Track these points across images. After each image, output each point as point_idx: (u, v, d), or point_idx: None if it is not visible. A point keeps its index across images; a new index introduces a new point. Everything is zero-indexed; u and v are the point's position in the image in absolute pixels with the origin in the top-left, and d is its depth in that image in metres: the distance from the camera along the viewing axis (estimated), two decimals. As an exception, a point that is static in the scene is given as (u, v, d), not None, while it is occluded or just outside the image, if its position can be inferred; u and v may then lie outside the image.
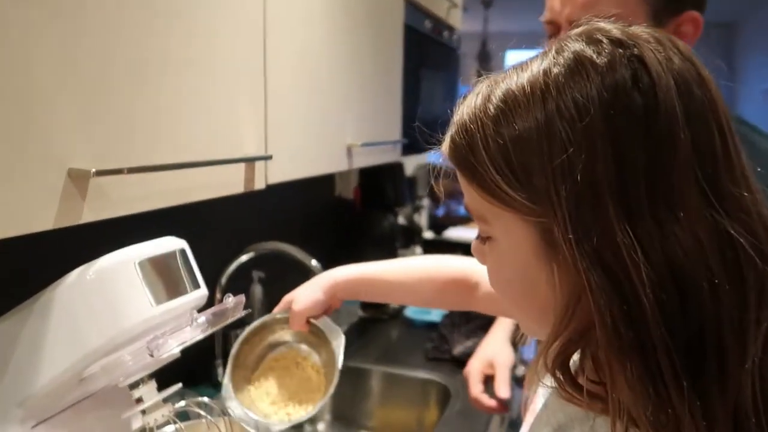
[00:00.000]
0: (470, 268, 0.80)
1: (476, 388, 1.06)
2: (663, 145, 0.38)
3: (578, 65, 0.40)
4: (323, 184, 2.02)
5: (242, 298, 0.66)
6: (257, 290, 1.44)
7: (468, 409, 1.31)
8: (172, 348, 0.58)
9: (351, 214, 2.06)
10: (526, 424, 0.58)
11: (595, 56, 0.40)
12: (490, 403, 1.05)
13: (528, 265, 0.43)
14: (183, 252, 0.66)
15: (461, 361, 1.52)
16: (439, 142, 0.48)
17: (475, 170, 0.43)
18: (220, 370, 1.32)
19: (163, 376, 0.68)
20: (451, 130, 0.46)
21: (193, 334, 0.60)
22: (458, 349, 1.54)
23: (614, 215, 0.38)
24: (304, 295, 0.74)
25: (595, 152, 0.38)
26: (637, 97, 0.38)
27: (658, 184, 0.38)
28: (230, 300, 0.64)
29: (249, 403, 0.76)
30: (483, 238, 0.47)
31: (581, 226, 0.39)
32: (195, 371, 1.24)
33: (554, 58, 0.41)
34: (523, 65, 0.43)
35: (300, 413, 0.75)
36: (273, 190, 0.88)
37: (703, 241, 0.38)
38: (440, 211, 4.44)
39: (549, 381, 0.43)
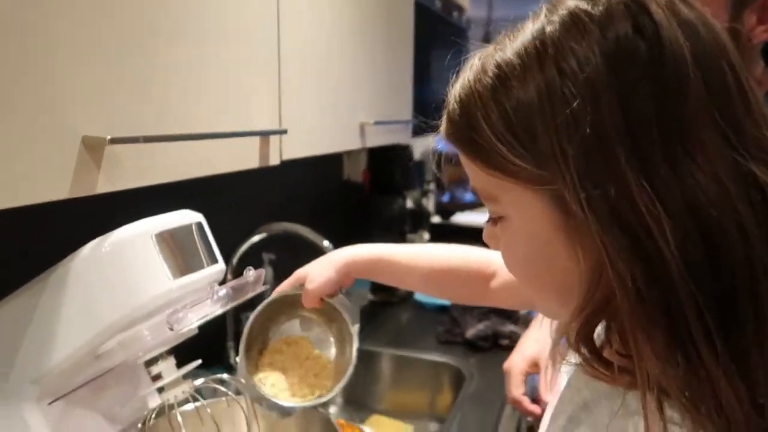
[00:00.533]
0: (486, 260, 0.77)
1: (518, 390, 0.97)
2: (672, 89, 0.36)
3: (574, 20, 0.38)
4: (332, 166, 2.00)
5: (262, 271, 0.64)
6: (268, 272, 1.42)
7: (482, 392, 1.29)
8: (192, 322, 0.56)
9: (359, 197, 2.04)
10: (550, 406, 0.56)
11: (590, 8, 0.38)
12: (533, 408, 0.95)
13: (545, 239, 0.41)
14: (200, 225, 0.64)
15: (474, 345, 1.51)
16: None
17: (477, 146, 0.41)
18: (232, 352, 1.30)
19: (176, 357, 0.67)
20: (447, 110, 0.44)
21: (212, 308, 0.58)
22: (471, 332, 1.52)
23: (627, 167, 0.36)
24: (318, 273, 0.71)
25: (600, 103, 0.36)
26: (641, 43, 0.36)
27: (671, 130, 0.36)
28: (251, 273, 0.62)
29: (260, 386, 0.74)
30: (494, 220, 0.45)
31: (592, 183, 0.36)
32: (207, 353, 1.23)
33: (547, 18, 0.39)
34: (514, 32, 0.41)
35: (319, 393, 0.72)
36: (281, 171, 0.86)
37: (727, 185, 0.36)
38: (446, 198, 4.42)
39: (573, 358, 0.41)
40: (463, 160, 0.44)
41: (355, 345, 0.71)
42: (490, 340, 1.49)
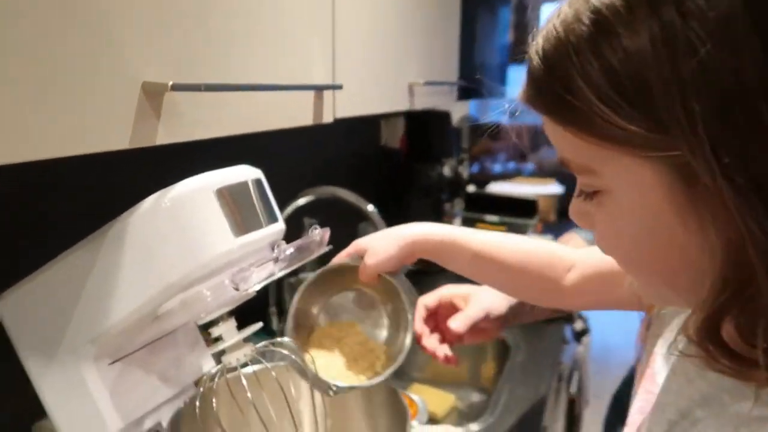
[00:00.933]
0: (562, 253, 0.69)
1: (419, 323, 0.80)
2: None
3: None
4: (369, 132, 1.96)
5: (328, 231, 0.61)
6: (308, 238, 1.40)
7: (529, 364, 1.26)
8: (256, 282, 0.53)
9: (397, 163, 2.00)
10: (643, 391, 0.51)
11: None
12: (438, 350, 0.81)
13: (658, 215, 0.35)
14: (259, 182, 0.61)
15: (518, 315, 1.47)
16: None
17: (571, 109, 0.35)
18: (274, 317, 1.29)
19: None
20: (529, 70, 0.38)
21: (276, 268, 0.55)
22: (514, 302, 1.48)
23: None
24: (380, 247, 0.65)
25: (737, 48, 0.30)
26: None
27: None
28: (316, 232, 0.59)
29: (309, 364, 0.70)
30: (588, 194, 0.39)
31: (727, 148, 0.30)
32: (248, 319, 1.21)
33: None
34: None
35: (368, 377, 0.68)
36: (319, 135, 0.83)
37: None
38: (475, 168, 4.35)
39: (685, 348, 0.36)
40: (550, 127, 0.38)
41: (411, 331, 0.67)
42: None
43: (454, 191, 2.22)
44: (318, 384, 0.64)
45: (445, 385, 1.41)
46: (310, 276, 0.68)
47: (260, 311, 1.28)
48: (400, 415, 0.69)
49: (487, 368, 1.41)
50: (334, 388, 0.64)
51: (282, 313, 1.31)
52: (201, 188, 0.55)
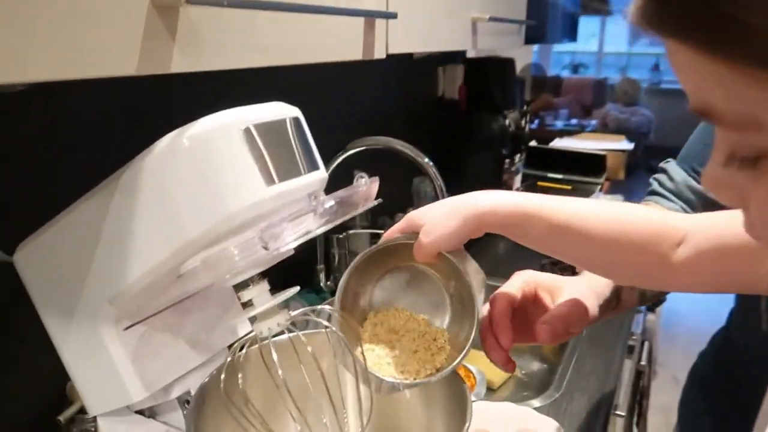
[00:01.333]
0: (671, 222, 0.56)
1: (502, 313, 0.60)
2: None
3: None
4: (426, 80, 1.84)
5: (376, 180, 0.51)
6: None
7: (599, 335, 1.15)
8: (290, 240, 0.45)
9: (455, 115, 1.87)
10: None
11: None
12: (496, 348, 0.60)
13: None
14: (297, 122, 0.51)
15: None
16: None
17: (724, 34, 0.25)
18: (322, 275, 1.22)
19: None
20: None
21: (315, 224, 0.46)
22: (581, 266, 1.36)
23: None
24: (439, 222, 0.54)
25: None
26: None
27: None
28: (362, 181, 0.50)
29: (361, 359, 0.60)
30: (746, 161, 0.29)
31: None
32: (294, 276, 1.14)
33: None
34: None
35: (428, 372, 0.58)
36: (371, 83, 0.73)
37: None
38: (534, 124, 4.14)
39: None
40: (690, 61, 0.27)
41: (478, 318, 0.56)
42: (605, 275, 1.33)
43: (515, 146, 2.07)
44: (368, 380, 0.55)
45: (502, 351, 1.32)
46: (356, 258, 0.57)
47: (306, 268, 1.21)
48: (458, 391, 0.60)
49: (549, 336, 1.30)
50: (388, 386, 0.55)
51: (330, 271, 1.24)
52: (226, 126, 0.46)
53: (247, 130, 0.46)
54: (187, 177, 0.45)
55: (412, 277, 0.60)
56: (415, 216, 0.56)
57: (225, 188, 0.45)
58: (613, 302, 0.68)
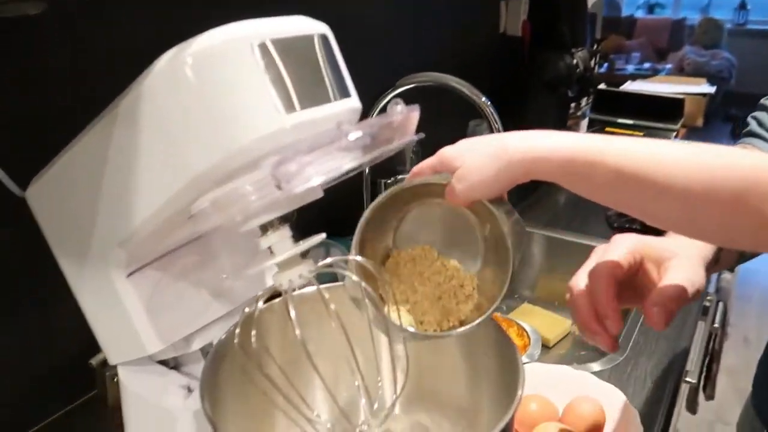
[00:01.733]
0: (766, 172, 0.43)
1: (608, 292, 0.50)
2: None
3: None
4: (486, 16, 1.70)
5: (416, 109, 0.43)
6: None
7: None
8: (309, 179, 0.37)
9: (518, 53, 1.73)
10: None
11: None
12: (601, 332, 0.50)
13: None
14: (326, 40, 0.43)
15: (657, 234, 1.23)
16: None
17: None
18: (367, 223, 1.15)
19: (298, 225, 0.49)
20: None
21: (341, 161, 0.39)
22: (652, 219, 1.24)
23: None
24: (477, 167, 0.45)
25: None
26: None
27: None
28: (398, 108, 0.41)
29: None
30: None
31: None
32: (337, 222, 1.08)
33: None
34: None
35: (453, 323, 0.51)
36: (427, 16, 0.63)
37: None
38: (603, 69, 3.87)
39: None
40: None
41: (511, 270, 0.47)
42: (679, 230, 1.21)
43: (582, 88, 1.92)
44: (387, 329, 0.48)
45: (560, 308, 1.23)
46: (379, 197, 0.50)
47: (351, 215, 1.14)
48: (507, 354, 0.52)
49: (612, 293, 1.20)
50: (408, 336, 0.48)
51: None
52: (237, 40, 0.38)
53: (263, 46, 0.39)
54: (189, 102, 0.38)
55: (443, 214, 0.52)
56: (450, 154, 0.47)
57: (235, 116, 0.38)
58: (711, 264, 0.57)
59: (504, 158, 0.45)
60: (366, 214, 0.49)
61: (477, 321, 0.48)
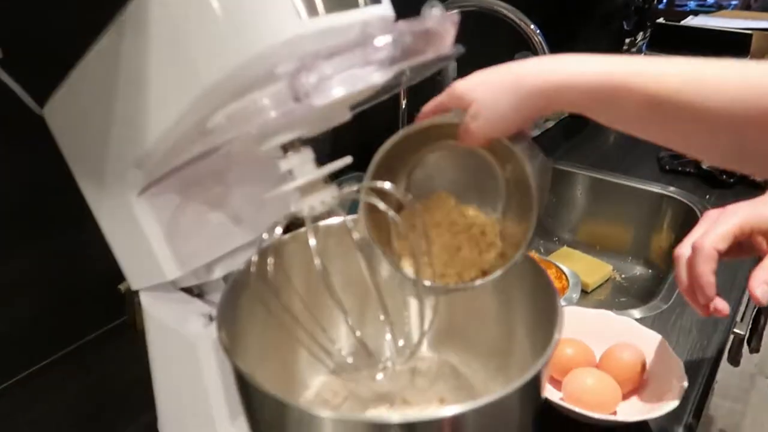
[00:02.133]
0: None
1: (705, 266, 0.52)
2: None
3: None
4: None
5: (454, 14, 0.38)
6: (450, 67, 1.16)
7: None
8: (331, 92, 0.33)
9: (571, -19, 1.61)
10: None
11: None
12: (695, 302, 0.56)
13: None
14: (354, -64, 0.38)
15: (712, 177, 1.16)
16: None
17: None
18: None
19: (328, 153, 0.45)
20: None
21: (367, 73, 0.35)
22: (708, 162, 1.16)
23: None
24: (494, 105, 0.40)
25: None
26: None
27: None
28: (434, 11, 0.37)
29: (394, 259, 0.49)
30: None
31: None
32: (372, 154, 1.03)
33: None
34: None
35: (474, 274, 0.47)
36: None
37: None
38: (663, 5, 3.63)
39: None
40: None
41: (536, 215, 0.43)
42: (737, 173, 1.13)
43: (640, 21, 1.79)
44: (403, 283, 0.45)
45: (601, 252, 1.18)
46: (386, 142, 0.45)
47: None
48: (545, 295, 0.48)
49: (660, 238, 1.14)
50: (427, 291, 0.45)
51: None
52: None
53: (281, -61, 0.34)
54: (200, 5, 0.34)
55: (458, 157, 0.47)
56: (461, 90, 0.41)
57: (250, 20, 0.34)
58: None
59: (522, 89, 0.39)
60: (373, 161, 0.45)
61: (501, 270, 0.45)
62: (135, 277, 0.54)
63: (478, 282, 0.46)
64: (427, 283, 0.46)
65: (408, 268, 0.45)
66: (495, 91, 0.40)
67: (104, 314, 0.79)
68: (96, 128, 0.46)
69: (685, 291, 0.56)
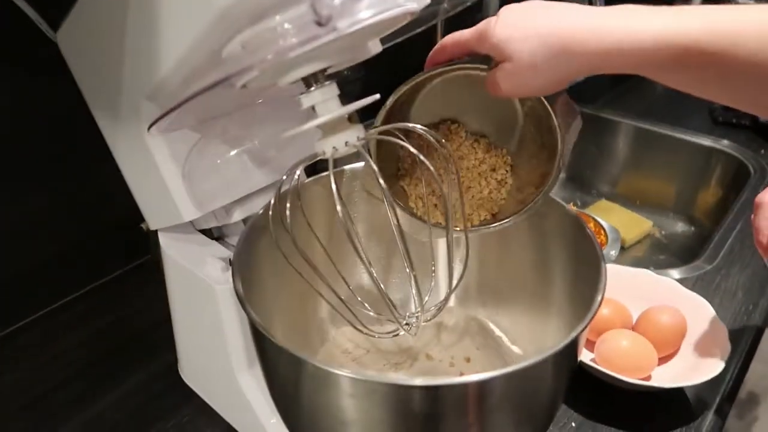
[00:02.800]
0: None
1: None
2: None
3: None
4: None
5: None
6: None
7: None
8: (359, 16, 0.29)
9: None
10: None
11: None
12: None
13: None
14: None
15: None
16: None
17: None
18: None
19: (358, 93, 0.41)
20: None
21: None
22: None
23: None
24: (531, 69, 0.35)
25: None
26: None
27: None
28: None
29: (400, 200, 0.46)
30: None
31: None
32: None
33: None
34: None
35: (486, 216, 0.44)
36: None
37: None
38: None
39: None
40: None
41: (560, 156, 0.39)
42: (797, 127, 1.05)
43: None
44: (410, 224, 0.41)
45: (641, 206, 1.13)
46: (402, 85, 0.40)
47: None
48: (584, 249, 0.45)
49: (707, 194, 1.08)
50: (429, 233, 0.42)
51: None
52: None
53: None
54: None
55: (471, 82, 0.41)
56: (496, 40, 0.35)
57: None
58: None
59: (570, 52, 0.34)
60: (384, 109, 0.40)
61: (513, 219, 0.41)
62: (153, 216, 0.52)
63: (486, 228, 0.43)
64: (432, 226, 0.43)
65: (419, 210, 0.42)
66: (536, 51, 0.35)
67: (129, 251, 0.78)
68: (108, 56, 0.43)
69: (763, 238, 0.54)
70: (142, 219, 0.63)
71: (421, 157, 0.37)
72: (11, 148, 0.63)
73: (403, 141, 0.38)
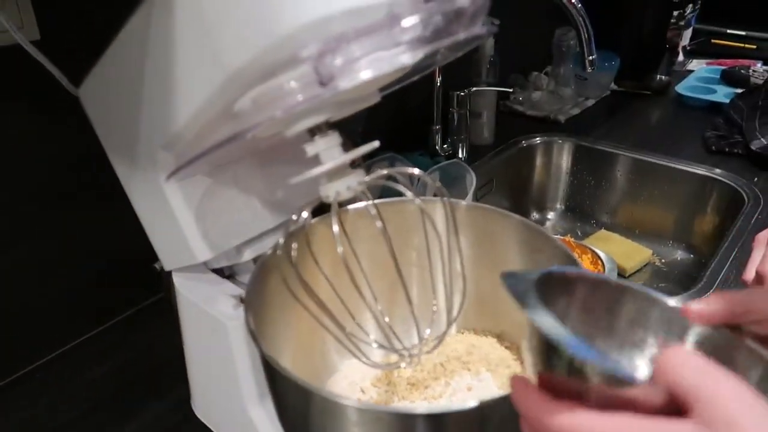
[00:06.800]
0: None
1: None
2: None
3: None
4: None
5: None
6: (487, 44, 1.13)
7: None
8: (358, 75, 0.32)
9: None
10: None
11: None
12: None
13: None
14: None
15: (761, 158, 1.10)
16: None
17: None
18: (438, 137, 1.09)
19: (361, 132, 0.45)
20: None
21: (394, 55, 0.33)
22: (758, 143, 1.11)
23: None
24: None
25: None
26: None
27: None
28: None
29: None
30: None
31: None
32: (406, 137, 1.03)
33: None
34: None
35: None
36: None
37: None
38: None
39: None
40: None
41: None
42: (789, 155, 1.08)
43: (689, -8, 1.71)
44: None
45: (641, 236, 1.15)
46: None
47: (421, 129, 1.08)
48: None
49: (703, 222, 1.10)
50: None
51: (447, 133, 1.11)
52: None
53: None
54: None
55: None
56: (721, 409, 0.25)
57: (273, 1, 0.33)
58: None
59: None
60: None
61: None
62: (167, 257, 0.54)
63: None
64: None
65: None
66: None
67: (143, 291, 0.81)
68: (127, 109, 0.46)
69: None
70: (155, 259, 0.66)
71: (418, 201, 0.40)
72: (38, 187, 0.66)
73: (407, 189, 0.41)
